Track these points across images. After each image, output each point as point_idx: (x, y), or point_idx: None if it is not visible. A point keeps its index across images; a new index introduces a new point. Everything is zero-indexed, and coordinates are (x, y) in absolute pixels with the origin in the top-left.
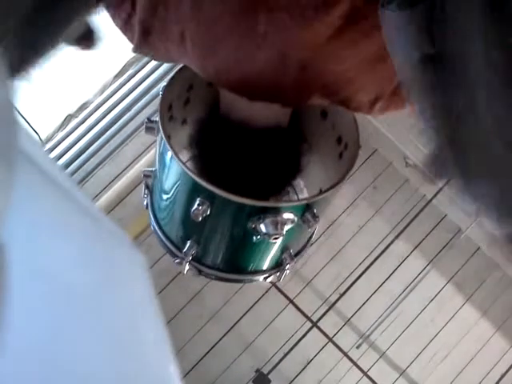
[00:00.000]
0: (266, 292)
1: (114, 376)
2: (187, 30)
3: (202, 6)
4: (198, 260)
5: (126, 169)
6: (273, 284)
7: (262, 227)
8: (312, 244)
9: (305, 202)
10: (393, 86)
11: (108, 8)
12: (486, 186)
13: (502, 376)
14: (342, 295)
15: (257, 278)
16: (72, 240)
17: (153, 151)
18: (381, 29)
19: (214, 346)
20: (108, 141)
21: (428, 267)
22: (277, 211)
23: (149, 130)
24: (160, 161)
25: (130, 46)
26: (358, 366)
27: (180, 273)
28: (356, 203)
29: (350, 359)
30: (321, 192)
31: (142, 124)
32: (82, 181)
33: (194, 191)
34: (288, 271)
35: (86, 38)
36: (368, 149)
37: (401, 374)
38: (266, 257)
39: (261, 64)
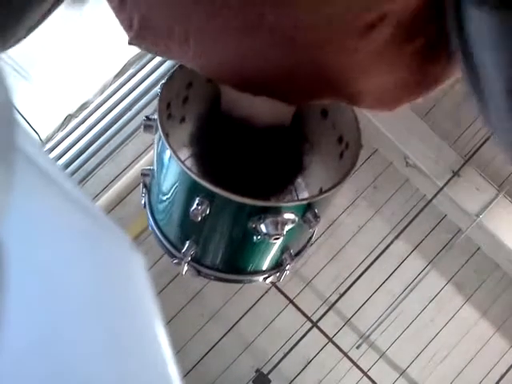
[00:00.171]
0: (266, 292)
1: (113, 376)
2: (189, 25)
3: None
4: (196, 260)
5: (126, 169)
6: (273, 284)
7: (263, 227)
8: (312, 244)
9: (306, 201)
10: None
11: None
12: None
13: (502, 376)
14: (342, 295)
15: (256, 278)
16: (72, 240)
17: (153, 151)
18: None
19: (214, 346)
20: (108, 141)
21: (428, 267)
22: (277, 211)
23: (147, 128)
24: (158, 159)
25: (126, 36)
26: (358, 366)
27: (180, 273)
28: (356, 203)
29: (350, 359)
30: (321, 192)
31: (142, 124)
32: (82, 181)
33: (193, 190)
34: (288, 272)
35: None
36: (368, 148)
37: (401, 374)
38: (266, 257)
39: (272, 60)
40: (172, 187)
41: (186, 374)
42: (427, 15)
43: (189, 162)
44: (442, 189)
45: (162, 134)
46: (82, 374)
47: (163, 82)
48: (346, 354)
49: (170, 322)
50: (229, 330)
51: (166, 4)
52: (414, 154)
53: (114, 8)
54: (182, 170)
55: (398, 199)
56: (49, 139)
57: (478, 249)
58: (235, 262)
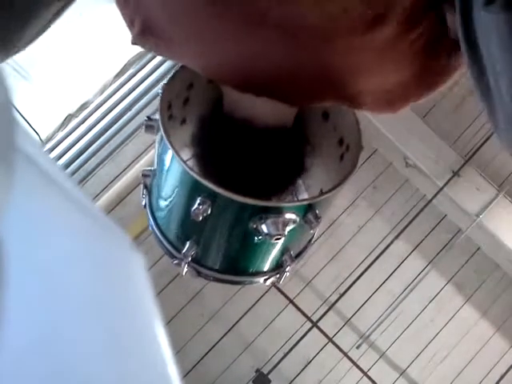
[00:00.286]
0: (266, 292)
1: (113, 376)
2: (189, 26)
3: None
4: (197, 261)
5: (126, 169)
6: (273, 284)
7: (264, 227)
8: (312, 245)
9: (307, 202)
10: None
11: None
12: None
13: (502, 376)
14: (342, 295)
15: (257, 279)
16: (72, 240)
17: (153, 151)
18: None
19: (214, 346)
20: (108, 141)
21: (428, 267)
22: (279, 211)
23: (148, 128)
24: (159, 160)
25: (129, 35)
26: (358, 366)
27: (180, 273)
28: (356, 203)
29: (350, 359)
30: (322, 193)
31: (143, 124)
32: (82, 181)
33: (195, 190)
34: (288, 273)
35: None
36: (368, 149)
37: (401, 374)
38: (267, 258)
39: (275, 61)
40: (173, 187)
41: (185, 375)
42: (427, 12)
43: (190, 163)
44: (442, 189)
45: (163, 134)
46: (81, 374)
47: (164, 82)
48: (346, 354)
49: (169, 322)
50: (229, 330)
51: (166, 5)
52: (414, 154)
53: (118, 7)
54: (183, 170)
55: (398, 199)
56: (49, 139)
57: (478, 249)
58: (236, 263)
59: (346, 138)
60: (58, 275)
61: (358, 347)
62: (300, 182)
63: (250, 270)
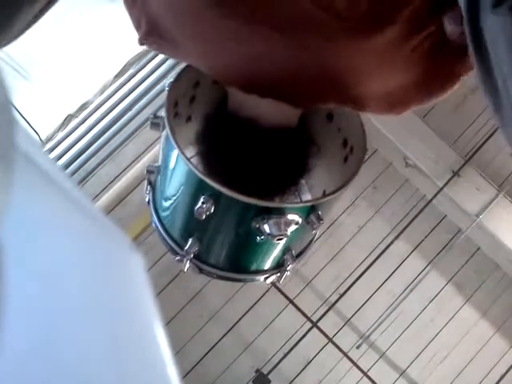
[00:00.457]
0: (266, 292)
1: (113, 376)
2: (195, 28)
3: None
4: (199, 258)
5: (126, 169)
6: (273, 284)
7: (266, 228)
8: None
9: (310, 203)
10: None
11: None
12: None
13: (502, 377)
14: (342, 295)
15: (258, 278)
16: (72, 240)
17: (153, 151)
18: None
19: (214, 346)
20: (108, 141)
21: (428, 267)
22: (281, 212)
23: (154, 125)
24: (164, 157)
25: (136, 35)
26: (357, 366)
27: (180, 273)
28: (356, 203)
29: (350, 359)
30: (324, 194)
31: (143, 124)
32: (82, 181)
33: (199, 189)
34: (289, 272)
35: None
36: (368, 149)
37: (401, 374)
38: (268, 257)
39: (278, 62)
40: (177, 185)
41: (185, 375)
42: (432, 17)
43: (194, 160)
44: (442, 189)
45: (169, 132)
46: (81, 375)
47: (171, 80)
48: (345, 354)
49: (169, 322)
50: (229, 330)
51: (170, 5)
52: (414, 154)
53: (126, 7)
54: (188, 169)
55: (398, 199)
56: (49, 139)
57: (478, 249)
58: (237, 261)
59: (350, 140)
60: (58, 276)
61: (357, 347)
62: (303, 182)
63: (252, 269)
